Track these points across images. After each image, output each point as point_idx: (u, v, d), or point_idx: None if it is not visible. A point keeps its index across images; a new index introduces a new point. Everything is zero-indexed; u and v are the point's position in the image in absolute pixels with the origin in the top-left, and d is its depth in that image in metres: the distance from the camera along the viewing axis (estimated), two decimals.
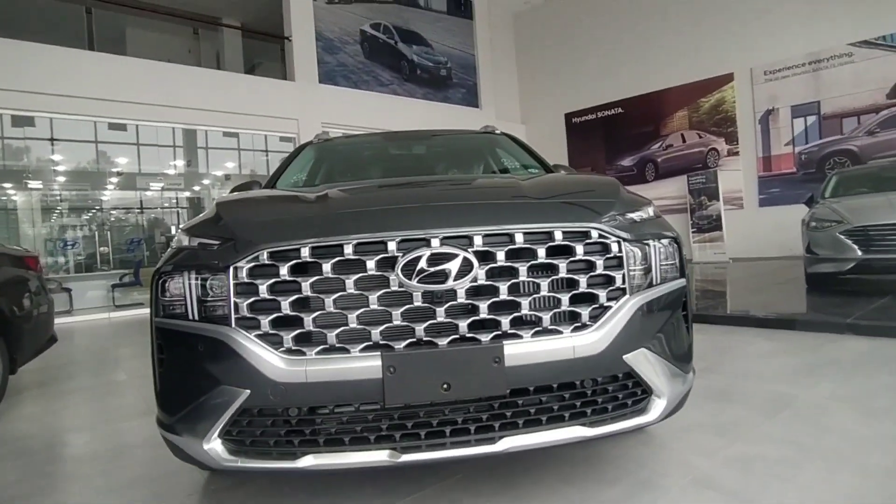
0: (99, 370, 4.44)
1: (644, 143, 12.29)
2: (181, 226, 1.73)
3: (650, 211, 1.68)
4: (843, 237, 4.76)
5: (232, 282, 1.35)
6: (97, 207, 14.92)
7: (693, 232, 11.10)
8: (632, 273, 1.48)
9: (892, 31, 8.99)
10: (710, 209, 10.88)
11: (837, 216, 4.91)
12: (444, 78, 13.29)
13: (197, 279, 1.41)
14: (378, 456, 1.31)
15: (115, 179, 14.24)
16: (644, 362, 1.45)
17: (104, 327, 7.75)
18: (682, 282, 1.63)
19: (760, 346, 3.54)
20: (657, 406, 1.47)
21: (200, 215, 1.79)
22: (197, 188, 16.05)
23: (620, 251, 1.46)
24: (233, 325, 1.34)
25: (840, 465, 1.74)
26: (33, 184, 12.63)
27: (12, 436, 2.75)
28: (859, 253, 4.66)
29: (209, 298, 1.40)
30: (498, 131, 3.38)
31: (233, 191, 2.56)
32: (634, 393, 1.47)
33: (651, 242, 1.55)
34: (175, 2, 11.93)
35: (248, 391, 1.31)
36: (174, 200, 16.13)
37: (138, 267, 12.08)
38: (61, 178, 13.00)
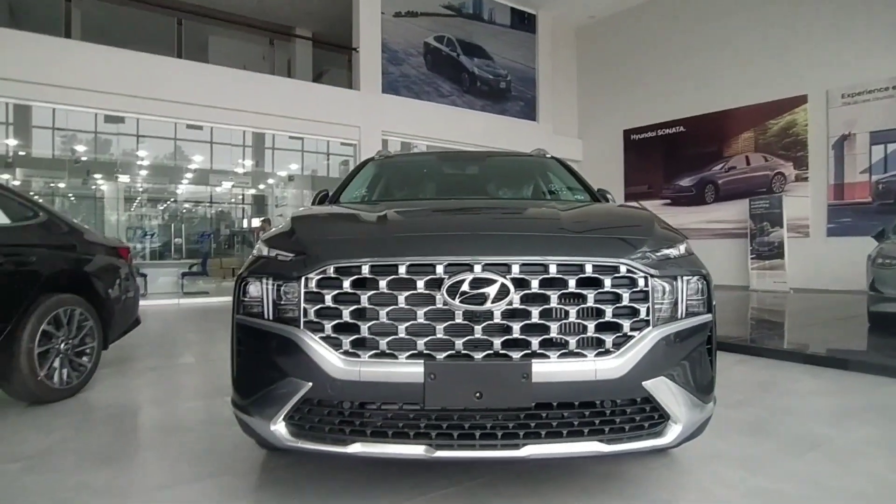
0: (170, 352, 4.90)
1: (705, 163, 11.96)
2: (262, 236, 2.00)
3: (682, 248, 1.80)
4: None
5: (303, 290, 1.60)
6: (172, 199, 16.11)
7: (752, 258, 10.70)
8: (657, 306, 1.61)
9: None
10: (772, 236, 10.45)
11: None
12: (504, 91, 13.47)
13: (273, 285, 1.67)
14: (415, 450, 1.51)
15: (189, 175, 15.36)
16: (663, 389, 1.57)
17: (174, 312, 8.41)
18: (707, 317, 1.73)
19: (805, 384, 3.48)
20: (673, 431, 1.59)
21: (277, 228, 2.06)
22: (262, 186, 17.01)
23: (647, 286, 1.59)
24: (301, 326, 1.59)
25: None
26: (117, 176, 13.78)
27: (103, 403, 3.17)
28: None
29: (282, 302, 1.65)
30: (548, 155, 3.53)
31: (315, 197, 2.93)
32: (651, 417, 1.59)
33: (678, 279, 1.67)
34: (254, 12, 12.81)
35: (311, 384, 1.55)
36: (241, 197, 17.19)
37: (206, 258, 12.95)
38: (143, 172, 14.14)
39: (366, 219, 1.91)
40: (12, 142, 12.20)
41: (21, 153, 12.42)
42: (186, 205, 16.83)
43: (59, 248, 3.36)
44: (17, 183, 12.37)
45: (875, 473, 2.05)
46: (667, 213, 12.69)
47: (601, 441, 1.53)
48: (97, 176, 14.00)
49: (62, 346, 3.22)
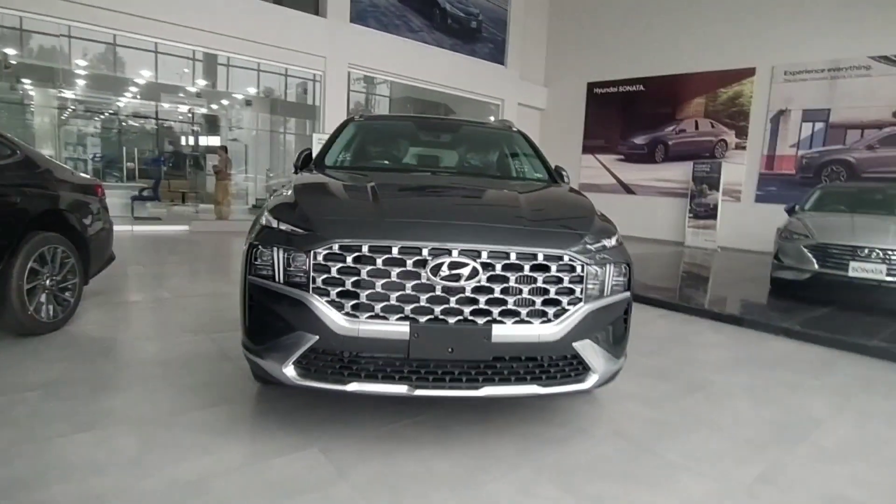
0: (141, 286, 5.06)
1: (659, 124, 12.55)
2: (267, 206, 2.29)
3: (613, 240, 2.26)
4: (805, 250, 5.35)
5: (311, 262, 1.95)
6: (112, 112, 15.11)
7: (689, 217, 11.63)
8: (589, 286, 2.09)
9: None
10: (708, 198, 11.36)
11: (806, 231, 5.48)
12: (474, 31, 13.29)
13: (284, 255, 2.01)
14: (399, 389, 1.96)
15: (133, 89, 14.43)
16: (587, 348, 2.09)
17: (129, 240, 8.21)
18: (626, 294, 2.24)
19: (708, 338, 4.21)
20: (592, 378, 2.12)
21: (280, 197, 2.35)
22: (215, 107, 16.24)
23: (583, 271, 2.06)
24: (310, 291, 1.95)
25: (718, 433, 2.43)
26: (53, 85, 12.77)
27: (90, 336, 3.40)
28: (816, 266, 5.27)
29: (292, 269, 2.00)
30: (515, 129, 3.87)
31: (298, 156, 3.16)
32: (577, 368, 2.11)
33: (608, 265, 2.15)
34: None
35: (318, 336, 1.94)
36: (191, 117, 16.37)
37: (157, 182, 12.47)
38: (79, 81, 13.10)
39: (361, 198, 2.25)
40: None
41: None
42: (133, 122, 15.90)
43: (38, 187, 3.44)
44: None
45: (737, 410, 2.72)
46: (620, 169, 13.36)
47: (539, 385, 2.04)
48: (25, 81, 12.84)
49: (47, 282, 3.39)
